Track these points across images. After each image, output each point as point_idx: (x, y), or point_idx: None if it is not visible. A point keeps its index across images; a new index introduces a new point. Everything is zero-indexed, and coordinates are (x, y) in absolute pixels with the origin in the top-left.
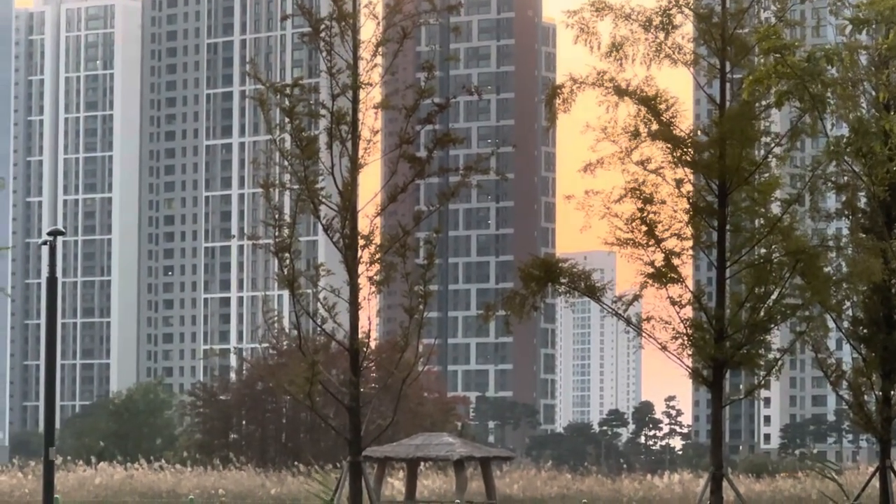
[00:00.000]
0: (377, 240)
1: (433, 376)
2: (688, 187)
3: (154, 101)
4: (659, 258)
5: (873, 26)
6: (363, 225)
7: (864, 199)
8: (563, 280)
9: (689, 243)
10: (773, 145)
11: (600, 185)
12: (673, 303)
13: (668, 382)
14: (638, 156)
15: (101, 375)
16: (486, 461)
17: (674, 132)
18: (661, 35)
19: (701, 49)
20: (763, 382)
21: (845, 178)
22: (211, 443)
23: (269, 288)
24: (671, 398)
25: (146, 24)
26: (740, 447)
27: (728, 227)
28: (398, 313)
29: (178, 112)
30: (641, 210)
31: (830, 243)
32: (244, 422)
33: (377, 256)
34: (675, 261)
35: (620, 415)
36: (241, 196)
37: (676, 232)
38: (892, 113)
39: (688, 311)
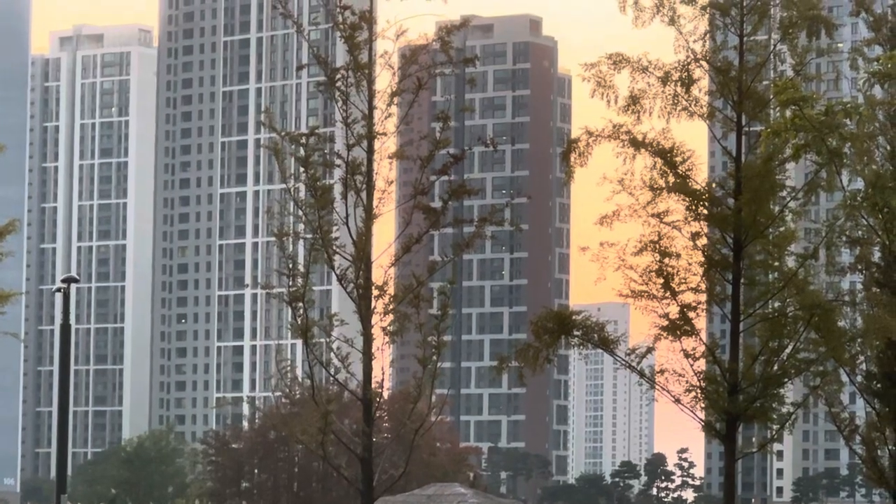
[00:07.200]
0: (391, 290)
1: (446, 426)
2: (703, 240)
3: (169, 149)
4: (674, 311)
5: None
6: (377, 275)
7: (878, 254)
8: (576, 332)
9: (704, 296)
10: (788, 199)
11: (614, 237)
12: (687, 355)
13: (680, 434)
14: (655, 208)
15: (113, 423)
16: None
17: (690, 185)
18: (680, 89)
19: (717, 102)
20: (776, 436)
21: (860, 232)
22: (223, 491)
23: (282, 337)
24: (684, 450)
25: (161, 72)
26: (752, 500)
27: (742, 280)
28: (411, 363)
29: (193, 160)
30: (659, 263)
31: (846, 298)
32: (256, 470)
33: (391, 307)
34: (690, 314)
35: (633, 466)
36: (255, 245)
37: (693, 285)
38: None
39: (701, 364)
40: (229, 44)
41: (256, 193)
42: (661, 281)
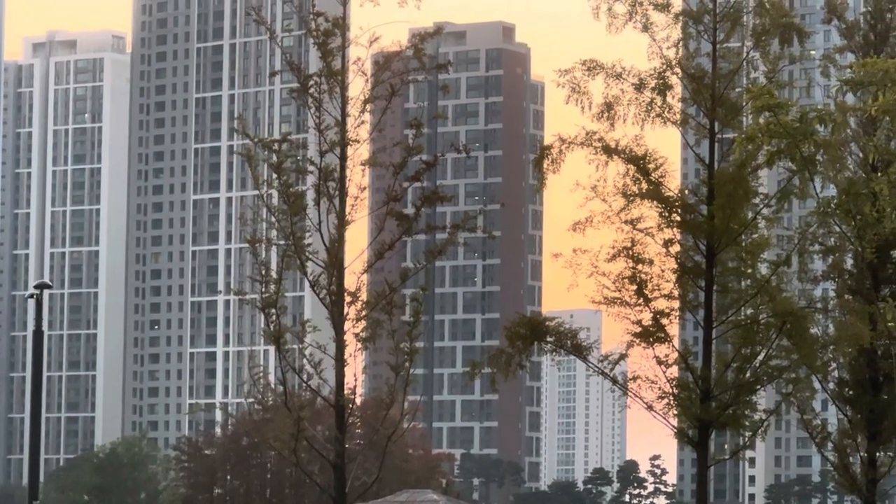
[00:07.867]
0: (364, 296)
1: (418, 433)
2: (676, 247)
3: (142, 155)
4: (647, 317)
5: (868, 88)
6: (350, 281)
7: (850, 261)
8: (549, 338)
9: (677, 303)
10: (761, 206)
11: (587, 244)
12: (659, 362)
13: (653, 441)
14: (628, 215)
15: (85, 429)
16: None
17: (663, 192)
18: (656, 96)
19: (690, 109)
20: (748, 443)
21: (832, 239)
22: (195, 497)
23: (255, 343)
24: (656, 457)
25: (135, 78)
26: None
27: (715, 287)
28: (384, 370)
29: (166, 166)
30: (632, 269)
31: (818, 305)
32: (229, 477)
33: (363, 313)
34: (663, 320)
35: (605, 473)
36: (228, 251)
37: (666, 292)
38: (880, 174)
39: (674, 371)
40: (202, 50)
41: (229, 200)
42: (634, 287)
